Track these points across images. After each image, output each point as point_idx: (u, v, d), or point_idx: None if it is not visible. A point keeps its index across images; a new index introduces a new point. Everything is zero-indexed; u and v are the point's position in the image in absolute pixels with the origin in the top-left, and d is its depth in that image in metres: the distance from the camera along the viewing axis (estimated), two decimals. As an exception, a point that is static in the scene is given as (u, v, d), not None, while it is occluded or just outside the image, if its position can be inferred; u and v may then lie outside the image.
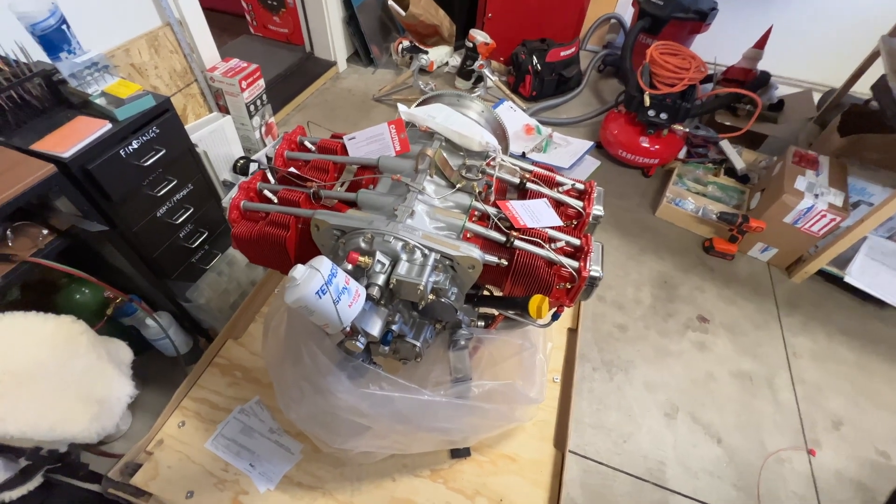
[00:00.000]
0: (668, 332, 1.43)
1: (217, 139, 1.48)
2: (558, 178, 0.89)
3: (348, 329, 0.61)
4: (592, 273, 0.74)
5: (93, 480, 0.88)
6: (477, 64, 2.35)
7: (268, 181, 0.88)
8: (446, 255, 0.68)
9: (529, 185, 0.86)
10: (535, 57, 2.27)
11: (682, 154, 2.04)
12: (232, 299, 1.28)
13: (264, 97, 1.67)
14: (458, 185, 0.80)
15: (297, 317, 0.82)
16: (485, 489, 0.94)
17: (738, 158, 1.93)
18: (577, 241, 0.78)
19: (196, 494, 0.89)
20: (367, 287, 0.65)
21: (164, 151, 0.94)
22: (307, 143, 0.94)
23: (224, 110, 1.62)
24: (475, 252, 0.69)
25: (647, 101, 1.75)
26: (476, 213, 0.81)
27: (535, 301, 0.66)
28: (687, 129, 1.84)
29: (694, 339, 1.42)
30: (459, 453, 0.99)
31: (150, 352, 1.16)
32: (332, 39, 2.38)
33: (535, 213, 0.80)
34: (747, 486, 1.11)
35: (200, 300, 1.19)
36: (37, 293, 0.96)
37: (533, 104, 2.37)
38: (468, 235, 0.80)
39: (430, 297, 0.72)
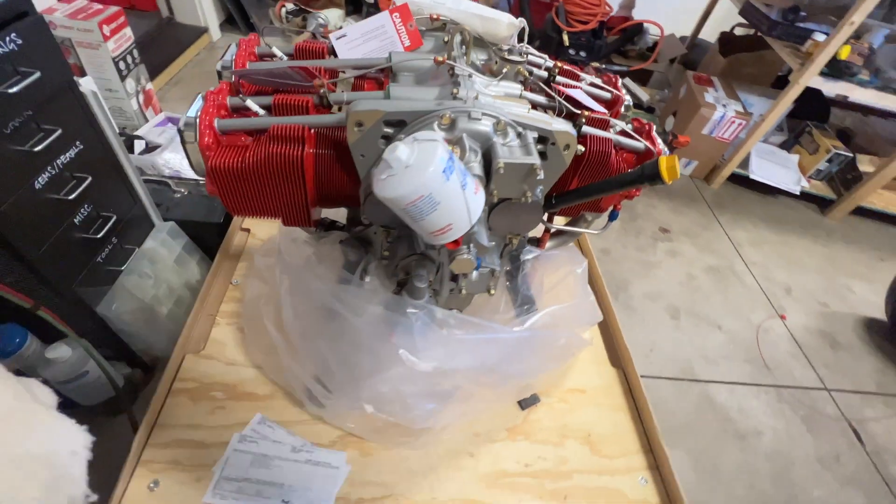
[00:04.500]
0: (643, 247, 1.50)
1: (79, 107, 1.05)
2: (580, 73, 0.81)
3: (470, 226, 0.43)
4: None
5: None
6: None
7: (236, 95, 0.62)
8: (543, 132, 0.54)
9: (560, 77, 0.76)
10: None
11: (594, 95, 2.17)
12: (166, 309, 0.93)
13: (136, 54, 1.25)
14: (505, 70, 0.65)
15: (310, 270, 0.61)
16: (568, 430, 0.83)
17: (642, 92, 2.12)
18: (628, 126, 0.70)
19: (216, 569, 0.60)
20: (463, 183, 0.48)
21: (38, 75, 0.60)
22: (276, 51, 0.70)
23: (77, 71, 1.16)
24: (570, 126, 0.56)
25: (567, 41, 1.80)
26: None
27: (667, 160, 0.56)
28: (604, 66, 1.95)
29: (665, 249, 1.51)
30: (528, 402, 0.86)
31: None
32: (200, 1, 1.95)
33: (582, 101, 0.70)
34: (754, 359, 1.21)
35: (121, 314, 0.83)
36: None
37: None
38: (531, 127, 0.67)
39: (529, 194, 0.57)
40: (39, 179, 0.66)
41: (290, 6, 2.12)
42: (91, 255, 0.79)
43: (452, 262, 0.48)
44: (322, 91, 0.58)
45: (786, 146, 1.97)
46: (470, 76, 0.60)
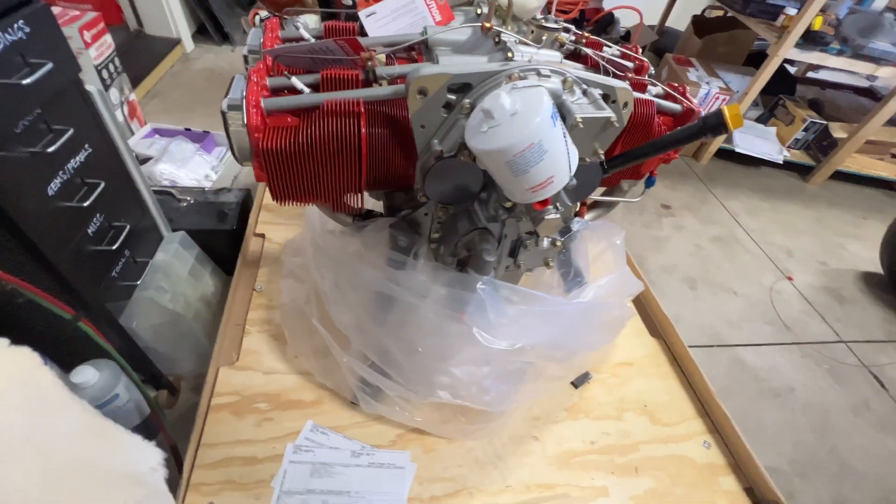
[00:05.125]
0: (650, 223, 1.52)
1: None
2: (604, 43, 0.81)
3: (569, 178, 0.41)
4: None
5: None
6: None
7: (272, 75, 0.58)
8: (606, 88, 0.53)
9: (585, 49, 0.75)
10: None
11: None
12: (186, 326, 0.86)
13: (118, 62, 1.18)
14: (543, 38, 0.64)
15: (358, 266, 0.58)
16: (625, 403, 0.82)
17: (623, 78, 2.17)
18: (661, 89, 0.70)
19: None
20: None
21: (50, 66, 0.54)
22: (303, 33, 0.66)
23: (57, 82, 1.08)
24: (627, 84, 0.55)
25: (550, 30, 1.81)
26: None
27: (731, 109, 0.56)
28: (586, 53, 1.98)
29: (670, 224, 1.54)
30: (581, 380, 0.84)
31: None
32: (171, 12, 1.86)
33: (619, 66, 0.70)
34: (773, 320, 1.25)
35: (143, 330, 0.76)
36: None
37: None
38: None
39: (600, 151, 0.56)
40: (53, 185, 0.60)
41: (263, 13, 2.06)
42: (106, 270, 0.72)
43: (539, 223, 0.46)
44: (369, 65, 0.55)
45: (762, 120, 2.06)
46: (517, 42, 0.58)
